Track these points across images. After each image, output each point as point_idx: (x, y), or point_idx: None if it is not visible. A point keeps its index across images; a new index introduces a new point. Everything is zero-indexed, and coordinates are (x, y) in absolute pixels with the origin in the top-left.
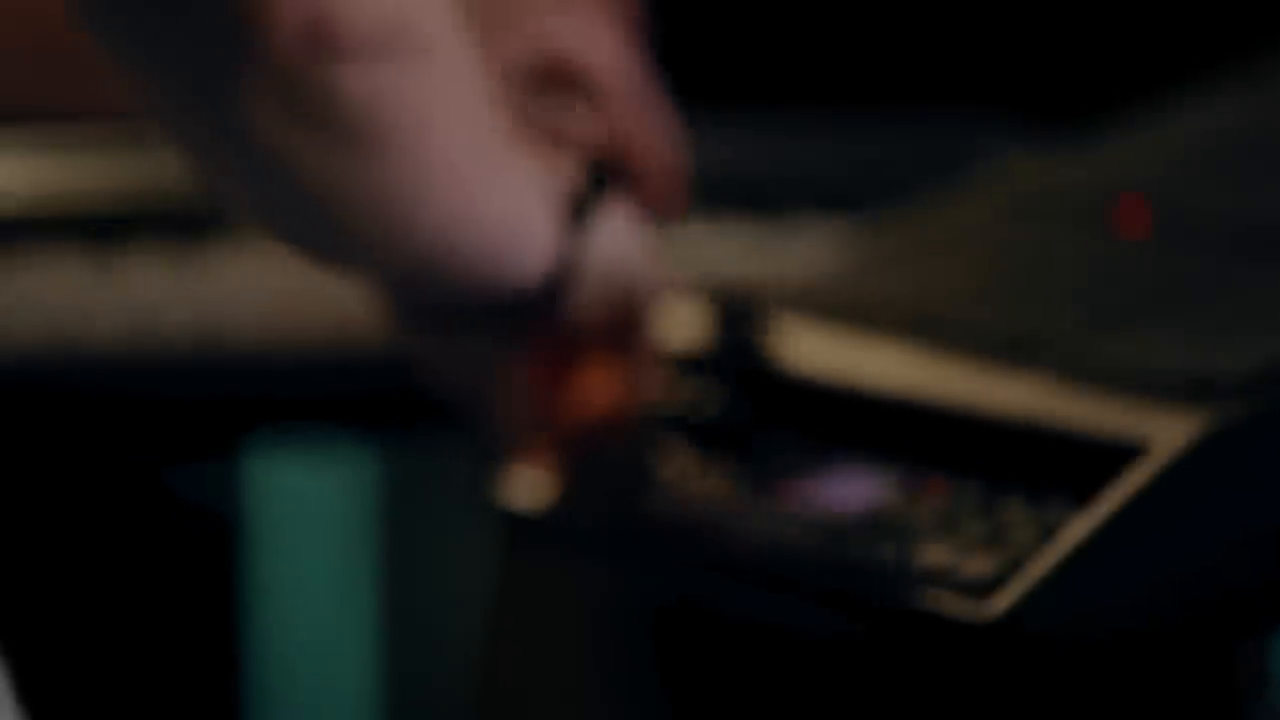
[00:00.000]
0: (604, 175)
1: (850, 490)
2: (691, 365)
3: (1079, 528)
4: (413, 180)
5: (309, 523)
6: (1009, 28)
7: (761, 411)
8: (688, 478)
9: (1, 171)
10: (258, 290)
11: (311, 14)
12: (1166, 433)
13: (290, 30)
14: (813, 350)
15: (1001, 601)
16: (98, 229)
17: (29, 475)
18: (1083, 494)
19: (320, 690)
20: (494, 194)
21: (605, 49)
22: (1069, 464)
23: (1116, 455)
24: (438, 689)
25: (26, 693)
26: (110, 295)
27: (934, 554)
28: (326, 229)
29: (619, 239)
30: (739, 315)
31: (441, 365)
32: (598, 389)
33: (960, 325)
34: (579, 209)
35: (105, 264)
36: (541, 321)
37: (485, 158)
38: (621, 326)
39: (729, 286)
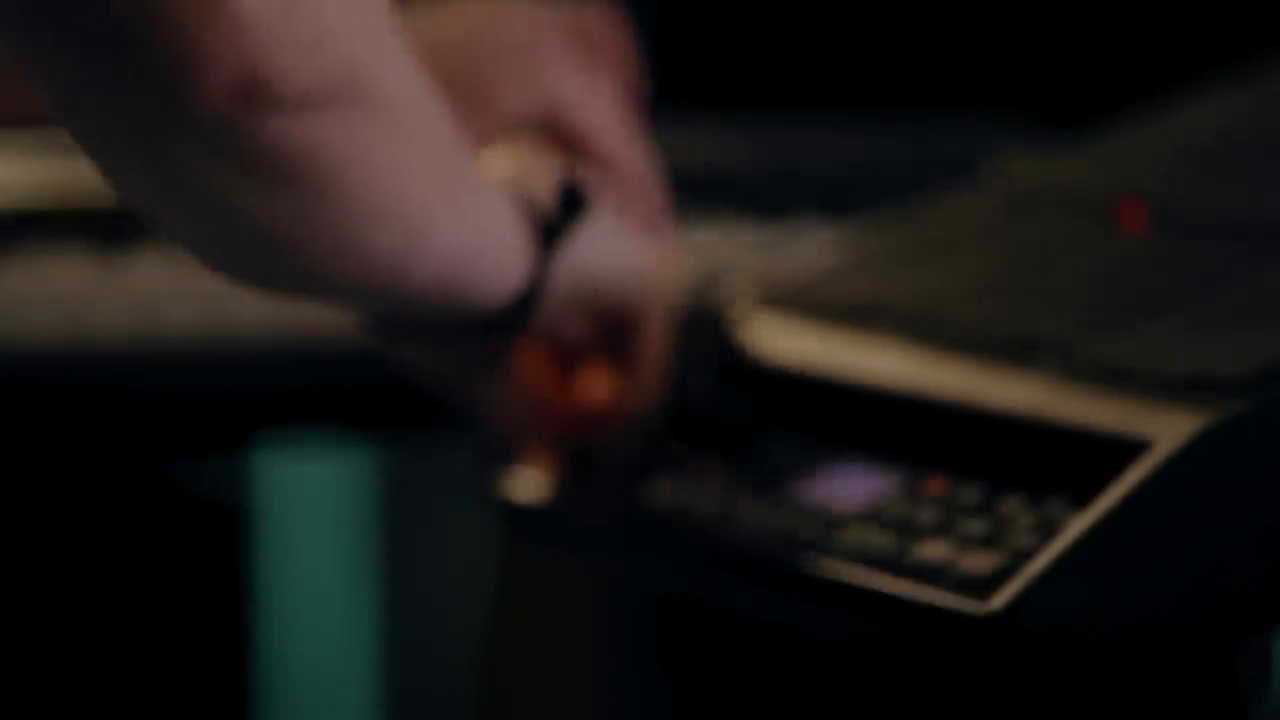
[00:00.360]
0: (576, 195)
1: (851, 487)
2: (693, 364)
3: (1079, 524)
4: (360, 224)
5: (315, 516)
6: (1012, 29)
7: (762, 409)
8: (688, 475)
9: (7, 168)
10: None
11: (245, 66)
12: (1167, 430)
13: (223, 81)
14: (813, 348)
15: (1001, 597)
16: (103, 225)
17: (36, 471)
18: (1083, 492)
19: (325, 685)
20: (452, 228)
21: (603, 106)
22: (1069, 462)
23: (1117, 453)
24: (439, 683)
25: (38, 684)
26: (115, 291)
27: (934, 550)
28: (273, 268)
29: (600, 252)
30: (740, 314)
31: (425, 370)
32: (593, 389)
33: (961, 323)
34: (551, 228)
35: (110, 260)
36: (517, 336)
37: (442, 196)
38: (614, 333)
39: (731, 286)
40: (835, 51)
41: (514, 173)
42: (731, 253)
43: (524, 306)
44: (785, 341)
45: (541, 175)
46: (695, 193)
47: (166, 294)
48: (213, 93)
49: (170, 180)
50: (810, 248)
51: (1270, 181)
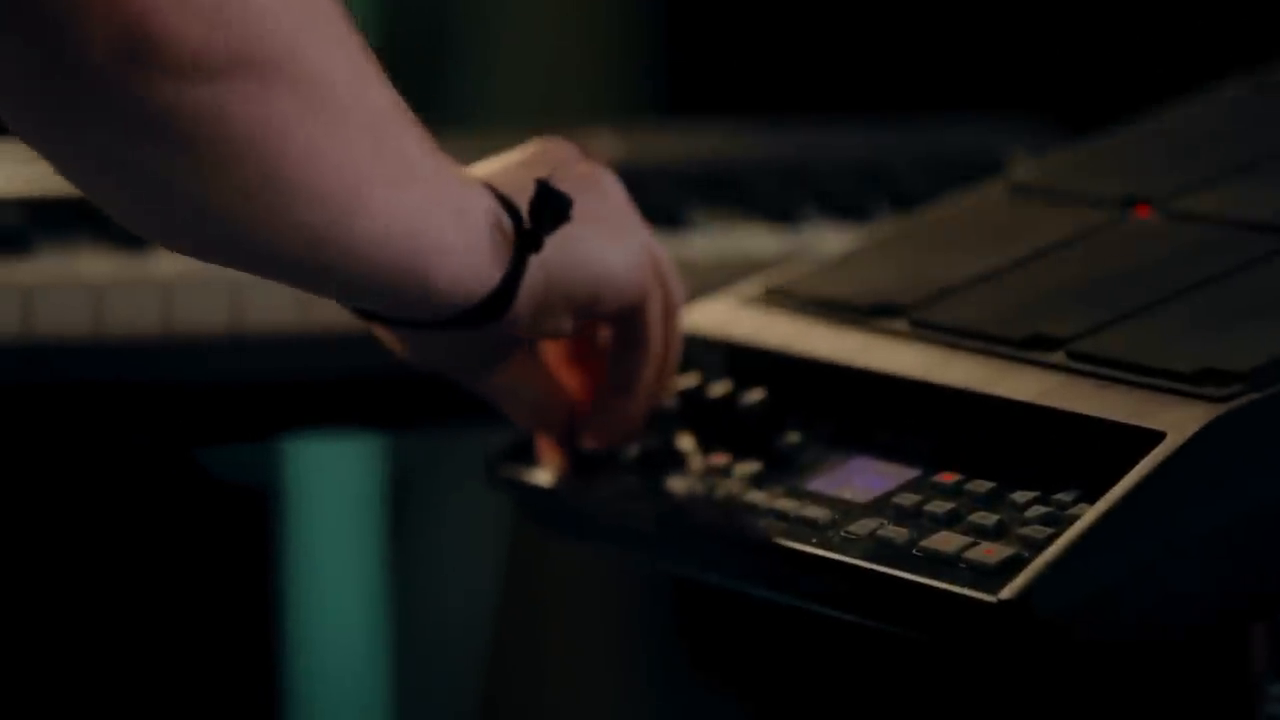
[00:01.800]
0: (553, 197)
1: (863, 478)
2: (706, 356)
3: (1090, 515)
4: (270, 197)
5: (340, 500)
6: (1022, 33)
7: (775, 401)
8: (701, 465)
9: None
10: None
11: (131, 23)
12: (1177, 422)
13: (107, 36)
14: (826, 340)
15: (1012, 587)
16: None
17: (63, 462)
18: (1094, 483)
19: (348, 667)
20: (393, 215)
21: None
22: (1080, 453)
23: (1128, 444)
24: (453, 667)
25: (80, 660)
26: (140, 282)
27: (945, 541)
28: (184, 233)
29: (580, 253)
30: (752, 308)
31: (423, 359)
32: (594, 380)
33: (972, 316)
34: (528, 229)
35: (134, 250)
36: (500, 331)
37: (378, 181)
38: (616, 328)
39: (741, 282)
40: (845, 56)
41: (494, 173)
42: (741, 254)
43: (498, 304)
44: (798, 334)
45: (521, 176)
46: (706, 194)
47: (189, 284)
48: (96, 48)
49: (68, 137)
50: (821, 250)
51: (1275, 178)
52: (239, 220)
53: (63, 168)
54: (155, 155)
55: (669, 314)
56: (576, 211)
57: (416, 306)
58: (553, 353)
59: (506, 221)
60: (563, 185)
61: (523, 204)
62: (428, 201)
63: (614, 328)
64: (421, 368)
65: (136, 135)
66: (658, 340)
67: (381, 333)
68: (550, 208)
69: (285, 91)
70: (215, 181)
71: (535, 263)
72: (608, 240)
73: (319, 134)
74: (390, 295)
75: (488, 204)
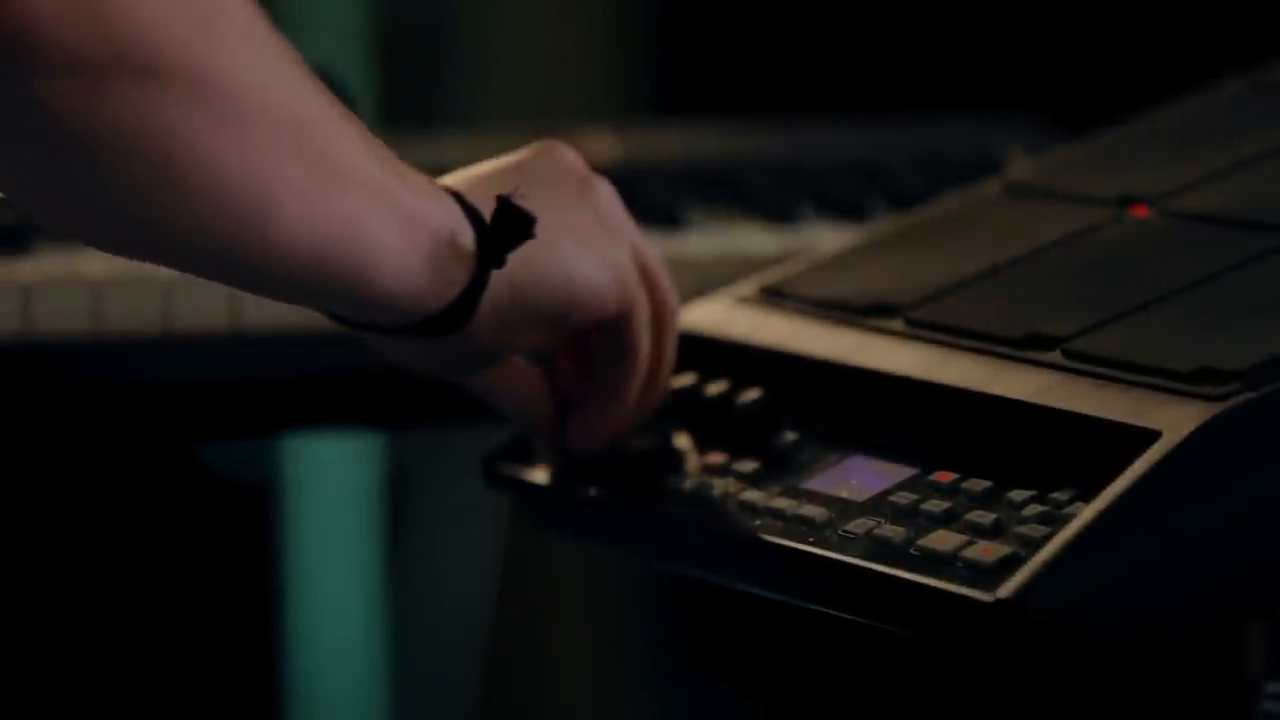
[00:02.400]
0: (514, 214)
1: (860, 477)
2: (703, 355)
3: (1087, 514)
4: (165, 198)
5: (338, 496)
6: (1019, 32)
7: (772, 400)
8: (698, 464)
9: None
10: None
11: (3, 20)
12: (1174, 421)
13: None
14: (823, 339)
15: (1009, 585)
16: None
17: (64, 459)
18: (1091, 482)
19: (347, 663)
20: (318, 224)
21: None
22: (1077, 452)
23: (1124, 443)
24: (450, 664)
25: (80, 657)
26: (139, 279)
27: (942, 539)
28: (83, 230)
29: (548, 267)
30: (749, 307)
31: (405, 363)
32: (582, 385)
33: (969, 315)
34: (489, 244)
35: None
36: (459, 345)
37: (294, 189)
38: (599, 339)
39: (737, 281)
40: (842, 55)
41: (474, 180)
42: (739, 254)
43: (457, 316)
44: (795, 333)
45: (499, 186)
46: (703, 193)
47: (188, 283)
48: None
49: None
50: (818, 249)
51: (1271, 177)
52: (139, 219)
53: None
54: (43, 152)
55: (661, 323)
56: (554, 224)
57: (368, 311)
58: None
59: (469, 233)
60: (544, 196)
61: (488, 216)
62: (363, 209)
63: (600, 337)
64: (404, 368)
65: (21, 131)
66: (644, 351)
67: (358, 335)
68: (510, 224)
69: (172, 93)
70: (108, 180)
71: (500, 276)
72: (586, 253)
73: (215, 137)
74: (328, 299)
75: (447, 214)
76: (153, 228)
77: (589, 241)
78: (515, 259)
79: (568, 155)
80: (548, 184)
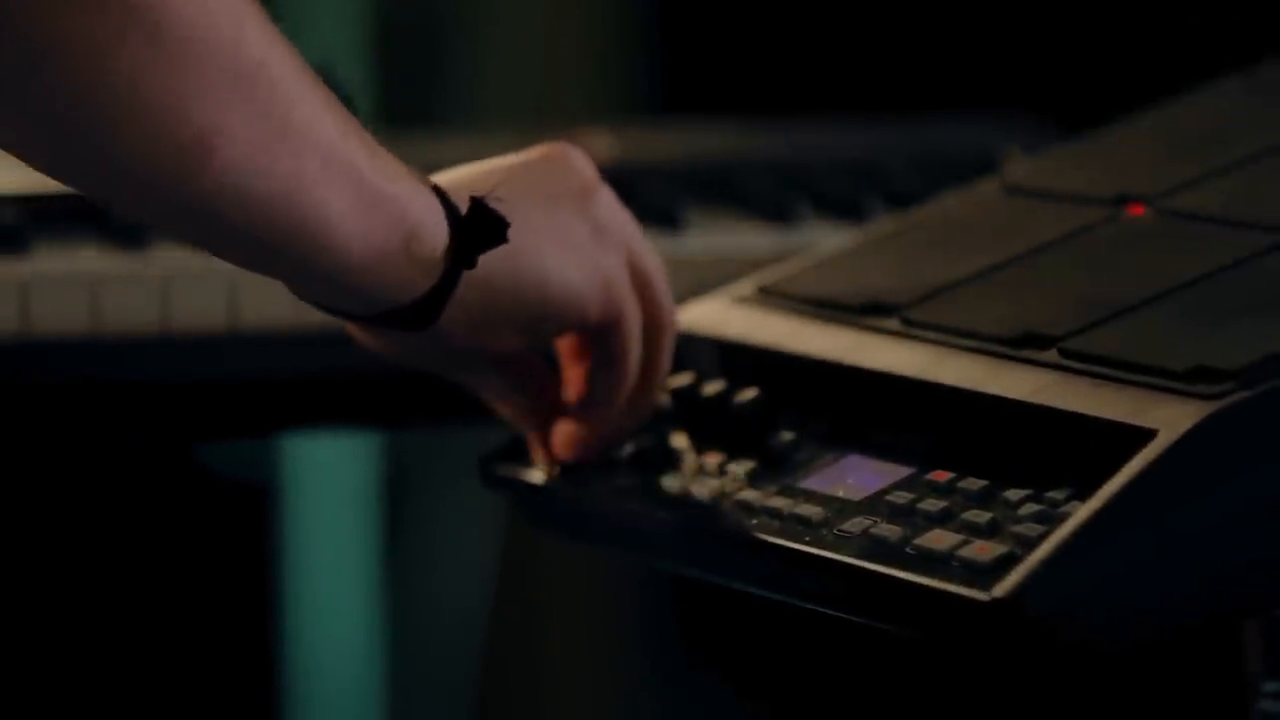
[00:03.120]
0: (486, 215)
1: (856, 476)
2: (700, 355)
3: (1082, 513)
4: (108, 123)
5: (337, 495)
6: (1018, 31)
7: (769, 400)
8: (695, 464)
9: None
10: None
11: None
12: (1170, 420)
13: None
14: (820, 339)
15: (1005, 584)
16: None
17: (62, 459)
18: (1086, 481)
19: (345, 662)
20: (237, 169)
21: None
22: (1073, 451)
23: (1120, 442)
24: (448, 664)
25: (70, 657)
26: (137, 278)
27: (938, 539)
28: (34, 147)
29: (524, 270)
30: (746, 307)
31: (393, 357)
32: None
33: (965, 314)
34: (461, 243)
35: (132, 248)
36: (432, 341)
37: (218, 128)
38: (597, 342)
39: (734, 281)
40: (840, 55)
41: (469, 179)
42: (737, 253)
43: (425, 312)
44: (792, 332)
45: (486, 187)
46: (701, 193)
47: (186, 281)
48: None
49: None
50: (816, 249)
51: (1268, 177)
52: (69, 139)
53: None
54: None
55: (656, 334)
56: (539, 228)
57: (323, 287)
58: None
59: (444, 230)
60: (536, 200)
61: (460, 217)
62: (312, 172)
63: (591, 343)
64: (396, 364)
65: None
66: (632, 361)
67: (341, 322)
68: (481, 226)
69: (106, 7)
70: (35, 90)
71: (473, 276)
72: (569, 259)
73: (149, 63)
74: (272, 260)
75: (421, 206)
76: (83, 151)
77: (575, 248)
78: (492, 260)
79: (575, 160)
80: (545, 187)
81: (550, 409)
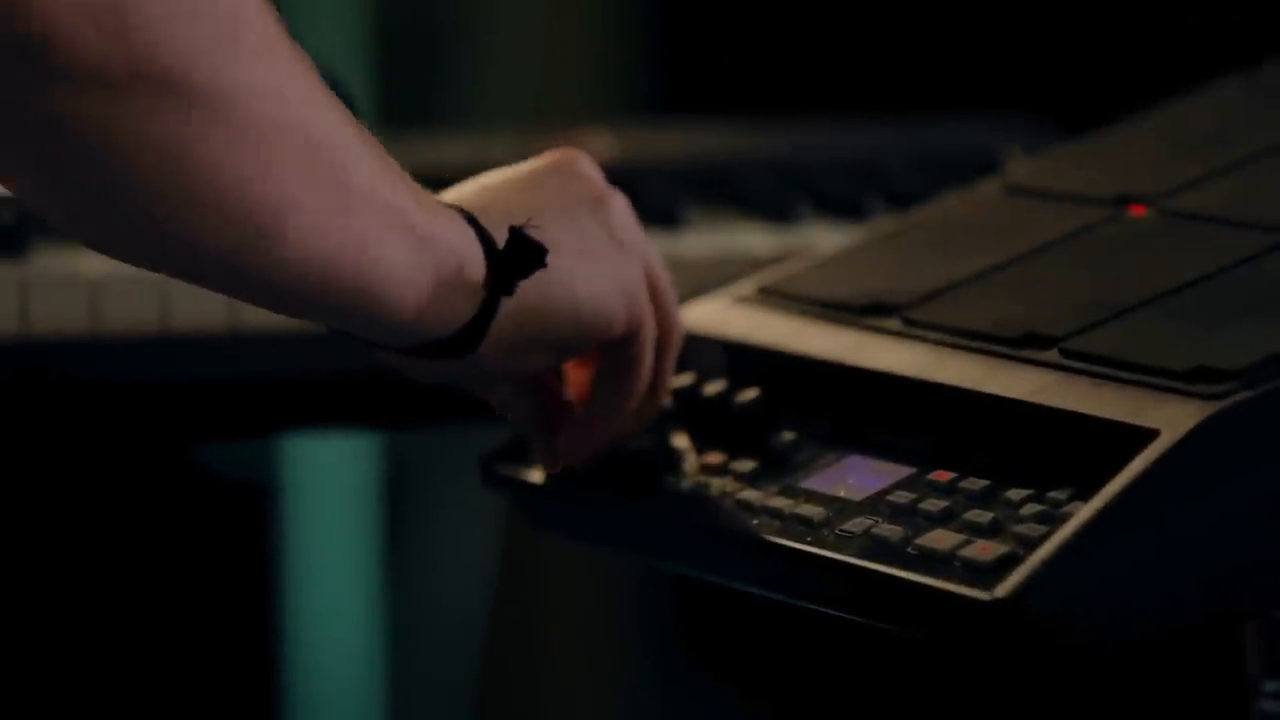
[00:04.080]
0: (526, 243)
1: (858, 476)
2: (701, 355)
3: (1084, 513)
4: (177, 213)
5: (336, 496)
6: (1018, 31)
7: (769, 400)
8: (696, 464)
9: None
10: None
11: (24, 25)
12: (1172, 420)
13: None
14: (821, 339)
15: (1006, 585)
16: None
17: (62, 460)
18: (1088, 481)
19: (345, 663)
20: (310, 241)
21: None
22: (1074, 451)
23: (1122, 442)
24: (448, 665)
25: (70, 657)
26: (137, 279)
27: (940, 539)
28: (100, 238)
29: (558, 295)
30: (747, 307)
31: (416, 374)
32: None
33: (966, 314)
34: (500, 271)
35: None
36: (462, 369)
37: (306, 209)
38: (607, 357)
39: (735, 281)
40: (840, 54)
41: (488, 196)
42: (737, 253)
43: (466, 341)
44: (793, 332)
45: (512, 204)
46: (701, 193)
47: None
48: None
49: None
50: (816, 249)
51: (1268, 177)
52: (153, 231)
53: None
54: (61, 162)
55: (665, 342)
56: (566, 246)
57: (377, 331)
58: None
59: (480, 259)
60: (557, 215)
61: (501, 241)
62: (376, 231)
63: (604, 354)
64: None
65: (40, 141)
66: (647, 370)
67: (384, 356)
68: (522, 255)
69: (189, 109)
70: (124, 192)
71: (509, 303)
72: (598, 275)
73: (230, 155)
74: (338, 318)
75: (459, 238)
76: (166, 240)
77: (601, 262)
78: (530, 284)
79: (584, 167)
80: (559, 199)
81: (557, 414)
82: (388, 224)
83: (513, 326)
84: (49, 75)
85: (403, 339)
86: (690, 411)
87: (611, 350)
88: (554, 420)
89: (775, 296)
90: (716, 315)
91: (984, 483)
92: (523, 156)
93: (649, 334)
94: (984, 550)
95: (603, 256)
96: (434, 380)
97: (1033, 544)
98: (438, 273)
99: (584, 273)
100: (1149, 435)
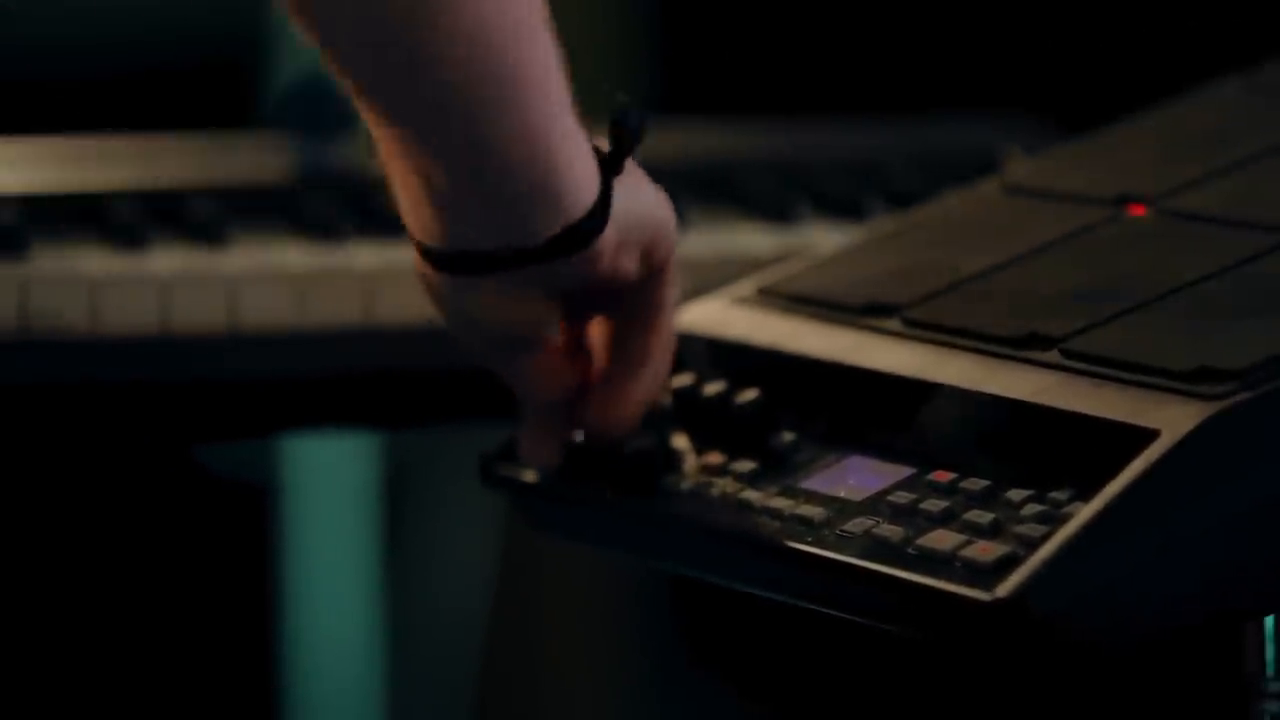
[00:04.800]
0: (631, 120)
1: (858, 477)
2: (701, 355)
3: (1085, 513)
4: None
5: (336, 496)
6: (1018, 32)
7: (769, 400)
8: (695, 464)
9: (29, 163)
10: (278, 275)
11: None
12: (1172, 420)
13: None
14: (821, 339)
15: (1007, 585)
16: (125, 214)
17: (67, 459)
18: (1089, 481)
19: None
20: (534, 105)
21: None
22: (1075, 451)
23: (1123, 442)
24: (447, 670)
25: (70, 657)
26: (137, 279)
27: (940, 539)
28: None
29: (642, 188)
30: (746, 307)
31: (469, 340)
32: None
33: (966, 314)
34: (610, 153)
35: (131, 249)
36: (577, 272)
37: (519, 60)
38: (644, 287)
39: (735, 281)
40: (840, 54)
41: None
42: (737, 253)
43: (595, 222)
44: (793, 332)
45: None
46: (701, 192)
47: (186, 283)
48: None
49: None
50: (816, 249)
51: (1268, 177)
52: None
53: None
54: None
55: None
56: (632, 168)
57: (527, 218)
58: (566, 345)
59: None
60: None
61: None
62: (559, 107)
63: (628, 303)
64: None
65: None
66: (672, 313)
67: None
68: (623, 138)
69: None
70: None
71: (618, 190)
72: (655, 192)
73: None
74: (520, 197)
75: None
76: (399, 45)
77: (655, 186)
78: (621, 186)
79: None
80: None
81: (575, 386)
82: (562, 104)
83: (622, 219)
84: None
85: (545, 226)
86: (690, 411)
87: (640, 294)
88: (570, 395)
89: (775, 296)
90: (716, 315)
91: (984, 483)
92: None
93: (674, 274)
94: (984, 551)
95: (651, 183)
96: (488, 315)
97: (1033, 544)
98: (584, 158)
99: (648, 187)
100: (1150, 435)
